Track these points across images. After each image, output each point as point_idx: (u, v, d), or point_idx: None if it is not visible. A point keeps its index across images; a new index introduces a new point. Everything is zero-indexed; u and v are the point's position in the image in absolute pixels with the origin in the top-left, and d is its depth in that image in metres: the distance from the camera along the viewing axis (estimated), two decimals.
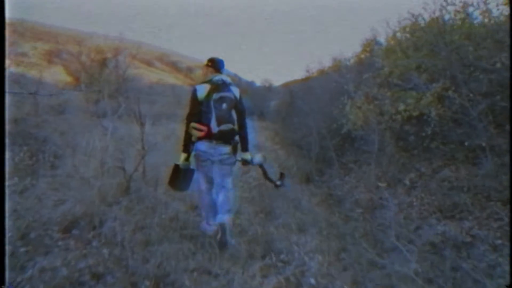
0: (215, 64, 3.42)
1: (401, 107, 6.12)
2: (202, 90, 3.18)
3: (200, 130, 3.12)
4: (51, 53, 19.61)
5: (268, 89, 22.64)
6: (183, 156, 3.26)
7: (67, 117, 9.00)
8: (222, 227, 3.21)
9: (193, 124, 3.16)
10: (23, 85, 9.38)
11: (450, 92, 5.50)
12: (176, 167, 3.28)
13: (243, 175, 5.54)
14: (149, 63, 24.23)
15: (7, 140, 2.28)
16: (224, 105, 3.23)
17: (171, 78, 22.83)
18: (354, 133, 7.99)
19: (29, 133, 6.89)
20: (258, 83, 23.91)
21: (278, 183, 3.61)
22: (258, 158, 3.54)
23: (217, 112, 3.17)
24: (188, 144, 3.24)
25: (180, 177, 3.29)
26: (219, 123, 3.16)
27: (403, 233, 4.84)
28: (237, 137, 3.38)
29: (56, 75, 16.20)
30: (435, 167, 6.65)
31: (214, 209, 3.33)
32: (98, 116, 10.59)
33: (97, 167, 4.61)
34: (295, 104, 13.30)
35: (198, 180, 3.36)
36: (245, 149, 3.50)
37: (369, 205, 5.97)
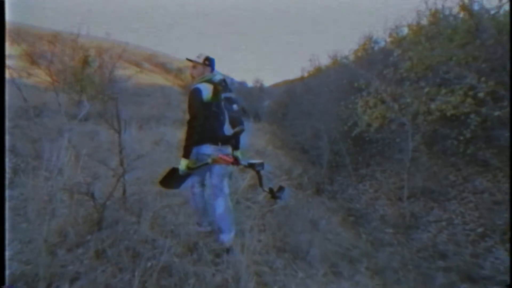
0: (212, 63, 3.08)
1: (435, 104, 5.01)
2: (207, 90, 2.84)
3: (227, 161, 2.85)
4: (34, 54, 18.34)
5: (260, 90, 21.45)
6: (184, 162, 2.81)
7: (43, 121, 7.69)
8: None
9: (215, 157, 2.82)
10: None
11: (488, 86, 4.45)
12: (173, 171, 2.90)
13: (250, 192, 4.34)
14: (137, 64, 22.90)
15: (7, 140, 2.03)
16: (235, 106, 2.92)
17: (160, 79, 21.51)
18: (367, 136, 6.89)
19: None
20: (249, 83, 22.64)
21: (278, 194, 3.14)
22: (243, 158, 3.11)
23: (229, 113, 2.87)
24: (190, 150, 2.82)
25: (174, 179, 2.94)
26: (233, 125, 2.87)
27: (457, 264, 3.72)
28: None
29: (39, 76, 14.91)
30: (465, 175, 5.58)
31: (207, 211, 3.12)
32: (80, 119, 9.32)
33: (64, 188, 3.40)
34: (293, 104, 12.23)
35: (192, 183, 3.07)
36: (238, 147, 3.15)
37: (400, 222, 4.85)
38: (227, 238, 2.89)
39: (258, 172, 3.06)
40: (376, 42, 11.28)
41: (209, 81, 2.90)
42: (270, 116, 13.41)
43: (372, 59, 8.81)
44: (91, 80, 10.17)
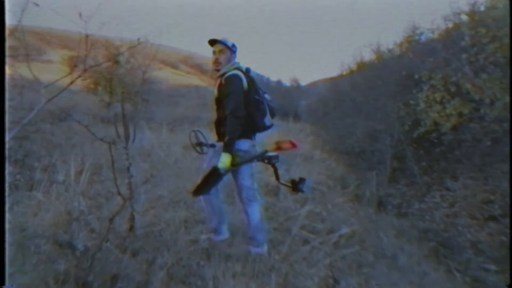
0: (236, 49, 2.65)
1: None
2: (244, 78, 2.43)
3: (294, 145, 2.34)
4: (73, 58, 18.18)
5: (297, 89, 20.21)
6: (228, 158, 2.28)
7: (70, 125, 6.85)
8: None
9: (280, 142, 2.38)
10: (37, 91, 7.56)
11: None
12: (214, 172, 2.32)
13: (306, 217, 3.17)
14: (173, 66, 22.43)
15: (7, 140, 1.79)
16: (267, 95, 2.61)
17: (195, 80, 20.77)
18: (433, 137, 5.58)
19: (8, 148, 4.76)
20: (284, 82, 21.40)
21: (300, 187, 2.49)
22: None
23: (268, 103, 2.55)
24: (234, 143, 2.32)
25: (210, 182, 2.40)
26: (272, 116, 2.57)
27: None
28: None
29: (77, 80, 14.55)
30: None
31: (222, 214, 2.64)
32: (109, 122, 8.49)
33: (53, 222, 2.42)
34: (336, 102, 10.97)
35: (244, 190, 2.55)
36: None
37: (504, 255, 3.52)
38: (262, 250, 2.49)
39: (273, 165, 2.54)
40: (422, 33, 10.02)
41: (239, 69, 2.52)
42: (311, 115, 12.15)
43: (429, 48, 7.38)
44: (121, 80, 9.34)
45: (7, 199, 2.71)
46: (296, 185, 2.49)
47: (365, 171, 5.78)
